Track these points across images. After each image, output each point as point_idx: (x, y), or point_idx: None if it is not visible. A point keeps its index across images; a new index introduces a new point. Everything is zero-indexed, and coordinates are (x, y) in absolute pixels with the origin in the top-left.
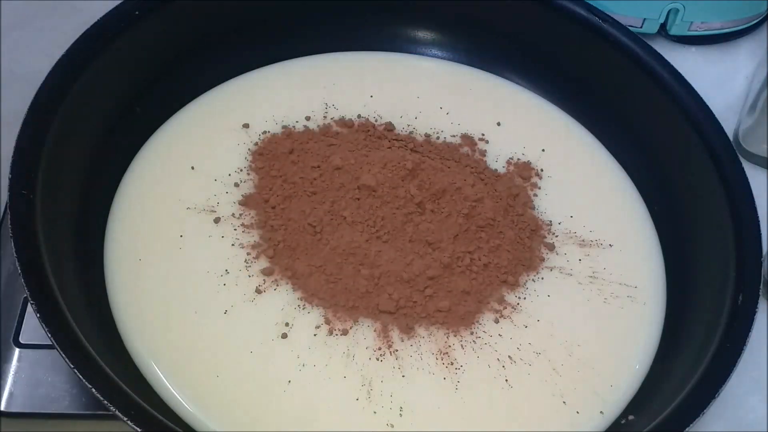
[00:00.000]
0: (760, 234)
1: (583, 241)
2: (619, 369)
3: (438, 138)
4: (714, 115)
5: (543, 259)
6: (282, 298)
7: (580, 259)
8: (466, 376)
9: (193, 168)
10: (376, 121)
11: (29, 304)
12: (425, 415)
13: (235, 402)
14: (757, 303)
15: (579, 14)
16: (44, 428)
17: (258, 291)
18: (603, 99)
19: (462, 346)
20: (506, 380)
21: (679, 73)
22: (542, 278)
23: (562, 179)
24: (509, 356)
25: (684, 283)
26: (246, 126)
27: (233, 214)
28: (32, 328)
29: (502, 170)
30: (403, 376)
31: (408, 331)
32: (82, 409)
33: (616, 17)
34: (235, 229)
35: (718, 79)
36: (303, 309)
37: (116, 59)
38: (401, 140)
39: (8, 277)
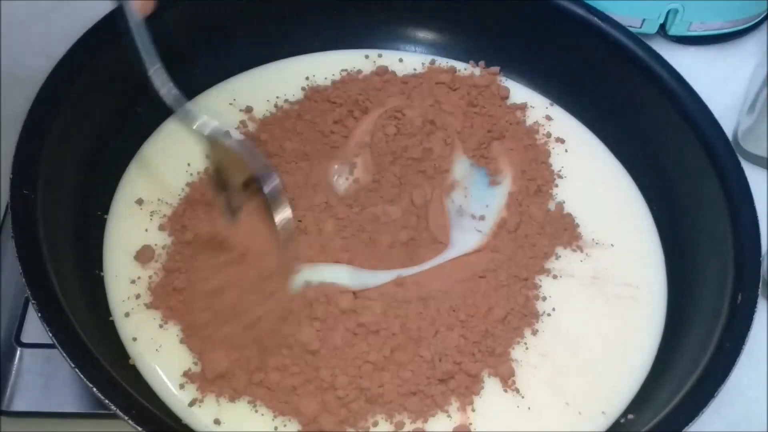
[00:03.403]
0: (759, 234)
1: (586, 241)
2: (621, 369)
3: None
4: (713, 116)
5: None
6: None
7: (581, 260)
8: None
9: (189, 165)
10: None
11: (30, 303)
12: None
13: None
14: (756, 302)
15: (578, 14)
16: (45, 427)
17: None
18: (603, 99)
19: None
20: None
21: (678, 73)
22: (549, 279)
23: (565, 178)
24: (515, 359)
25: (684, 283)
26: (243, 123)
27: None
28: (34, 328)
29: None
30: None
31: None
32: (83, 408)
33: (615, 17)
34: None
35: (718, 80)
36: None
37: (117, 60)
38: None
39: (9, 277)
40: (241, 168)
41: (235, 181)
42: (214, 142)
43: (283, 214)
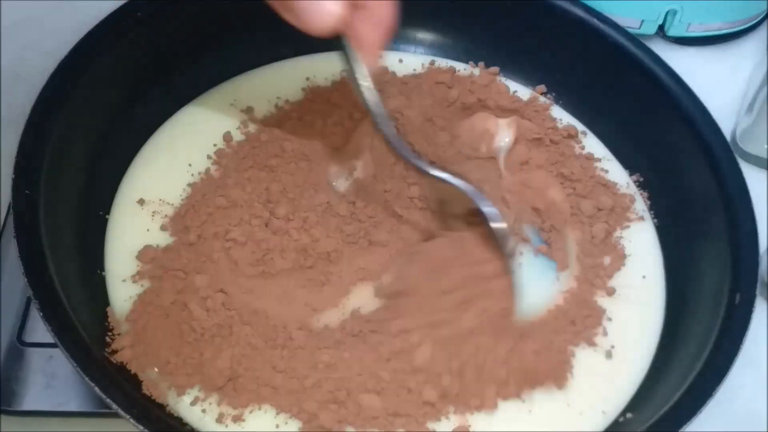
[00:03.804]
0: (757, 234)
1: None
2: (621, 369)
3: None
4: (711, 116)
5: None
6: None
7: None
8: None
9: (190, 165)
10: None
11: (32, 303)
12: None
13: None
14: (754, 302)
15: (577, 15)
16: (47, 426)
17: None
18: (601, 99)
19: None
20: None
21: (676, 74)
22: None
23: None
24: None
25: (682, 283)
26: (244, 123)
27: None
28: (35, 327)
29: None
30: None
31: None
32: (84, 407)
33: (614, 18)
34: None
35: (716, 80)
36: None
37: (118, 59)
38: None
39: (11, 277)
40: (462, 200)
41: (455, 210)
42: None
43: (509, 246)
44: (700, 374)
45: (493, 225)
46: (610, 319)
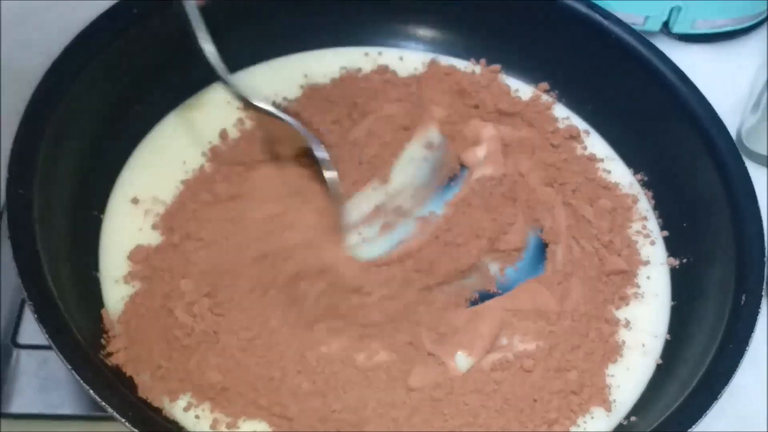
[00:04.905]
0: (763, 233)
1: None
2: (625, 370)
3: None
4: (717, 114)
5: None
6: None
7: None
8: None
9: (185, 163)
10: None
11: (27, 304)
12: None
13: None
14: (759, 303)
15: (581, 12)
16: (42, 429)
17: None
18: (605, 97)
19: None
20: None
21: (681, 71)
22: None
23: None
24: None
25: (688, 284)
26: (241, 121)
27: None
28: (30, 329)
29: None
30: None
31: None
32: (79, 410)
33: (618, 15)
34: None
35: (721, 78)
36: None
37: (113, 57)
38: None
39: (6, 278)
40: (291, 140)
41: (285, 150)
42: (264, 115)
43: (332, 175)
44: (706, 376)
45: (326, 174)
46: (615, 319)
